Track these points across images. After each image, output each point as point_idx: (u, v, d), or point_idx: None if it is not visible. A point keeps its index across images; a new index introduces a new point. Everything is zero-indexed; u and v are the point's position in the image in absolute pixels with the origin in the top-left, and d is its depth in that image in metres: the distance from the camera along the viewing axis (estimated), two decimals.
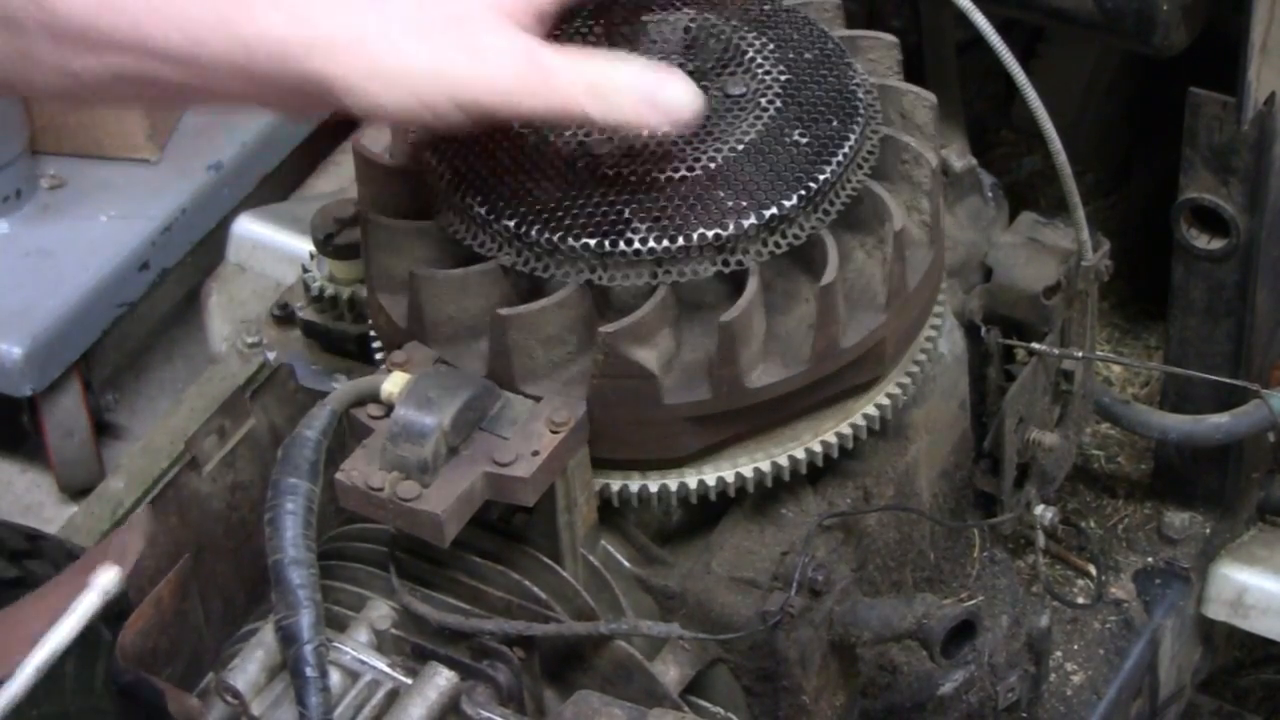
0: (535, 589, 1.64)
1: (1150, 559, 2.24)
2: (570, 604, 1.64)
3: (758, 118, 1.66)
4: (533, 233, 1.59)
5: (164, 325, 3.11)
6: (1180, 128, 1.99)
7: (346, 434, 1.64)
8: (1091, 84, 2.47)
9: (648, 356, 1.58)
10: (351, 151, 1.77)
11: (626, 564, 1.71)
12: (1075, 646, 2.14)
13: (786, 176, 1.61)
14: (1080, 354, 2.00)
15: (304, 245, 2.05)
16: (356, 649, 1.60)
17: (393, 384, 1.60)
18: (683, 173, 1.62)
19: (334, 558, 1.70)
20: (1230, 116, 1.95)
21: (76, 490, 2.94)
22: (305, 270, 1.92)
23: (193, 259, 3.00)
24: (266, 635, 1.55)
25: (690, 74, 1.70)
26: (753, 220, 1.59)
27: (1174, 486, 2.27)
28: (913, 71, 1.85)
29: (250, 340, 2.11)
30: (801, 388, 1.63)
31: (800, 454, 1.67)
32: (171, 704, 1.52)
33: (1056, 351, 1.96)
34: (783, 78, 1.70)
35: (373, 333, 1.78)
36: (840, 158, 1.63)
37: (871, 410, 1.70)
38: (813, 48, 1.73)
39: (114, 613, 1.55)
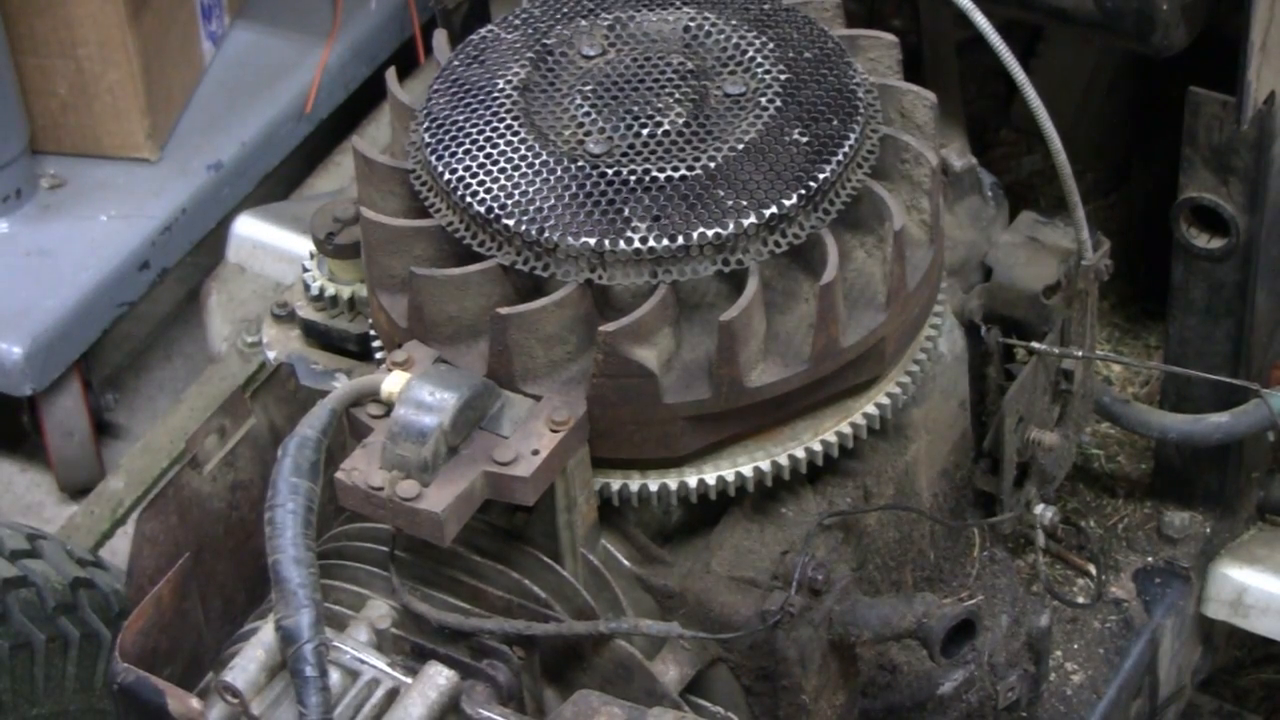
0: (535, 588, 1.64)
1: (1150, 559, 2.24)
2: (570, 603, 1.64)
3: (758, 117, 1.66)
4: (533, 232, 1.59)
5: (164, 325, 3.11)
6: (1180, 128, 1.99)
7: (347, 433, 1.64)
8: (1091, 84, 2.47)
9: (648, 356, 1.58)
10: (351, 151, 1.77)
11: (626, 563, 1.71)
12: (1075, 646, 2.14)
13: (786, 176, 1.61)
14: (1080, 354, 2.00)
15: (304, 245, 2.05)
16: (356, 648, 1.60)
17: (393, 383, 1.60)
18: (683, 172, 1.62)
19: (334, 557, 1.70)
20: (1230, 116, 1.95)
21: (76, 490, 2.94)
22: (305, 270, 1.92)
23: (193, 259, 3.00)
24: (266, 634, 1.55)
25: (690, 73, 1.70)
26: (753, 220, 1.59)
27: (1174, 486, 2.27)
28: (913, 71, 1.85)
29: (250, 340, 2.11)
30: (801, 387, 1.63)
31: (800, 453, 1.67)
32: (172, 704, 1.52)
33: (1056, 351, 1.96)
34: (783, 77, 1.70)
35: (373, 332, 1.78)
36: (840, 157, 1.63)
37: (871, 410, 1.70)
38: (813, 47, 1.73)
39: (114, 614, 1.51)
